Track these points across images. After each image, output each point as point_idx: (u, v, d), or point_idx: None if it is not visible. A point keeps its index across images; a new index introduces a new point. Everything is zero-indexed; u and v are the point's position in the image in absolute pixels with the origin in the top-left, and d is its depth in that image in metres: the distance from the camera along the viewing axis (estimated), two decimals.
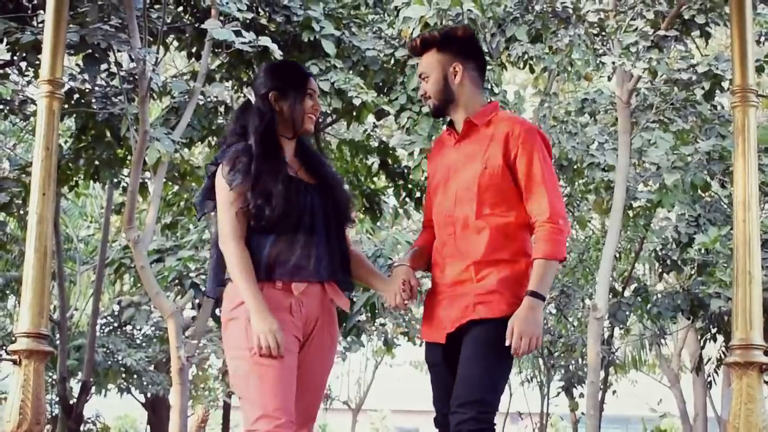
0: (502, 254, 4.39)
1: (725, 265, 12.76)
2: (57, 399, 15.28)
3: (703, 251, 12.94)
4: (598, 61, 11.22)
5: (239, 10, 9.76)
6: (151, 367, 18.12)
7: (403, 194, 12.65)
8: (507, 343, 4.22)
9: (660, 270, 16.06)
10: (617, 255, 15.18)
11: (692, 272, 14.73)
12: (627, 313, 16.08)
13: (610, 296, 14.13)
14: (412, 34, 10.59)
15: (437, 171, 4.64)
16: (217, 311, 11.44)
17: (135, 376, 18.15)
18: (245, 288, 4.25)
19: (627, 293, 16.16)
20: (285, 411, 4.19)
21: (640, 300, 15.61)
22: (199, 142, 12.02)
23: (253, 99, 4.55)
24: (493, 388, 4.29)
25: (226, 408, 20.40)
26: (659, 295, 15.71)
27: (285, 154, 4.46)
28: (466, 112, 4.56)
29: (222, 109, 11.07)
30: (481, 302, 4.34)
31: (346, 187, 4.85)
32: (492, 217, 4.40)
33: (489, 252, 4.37)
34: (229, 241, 4.29)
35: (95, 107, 10.35)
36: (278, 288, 4.33)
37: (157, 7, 10.09)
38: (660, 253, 15.01)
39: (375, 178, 13.26)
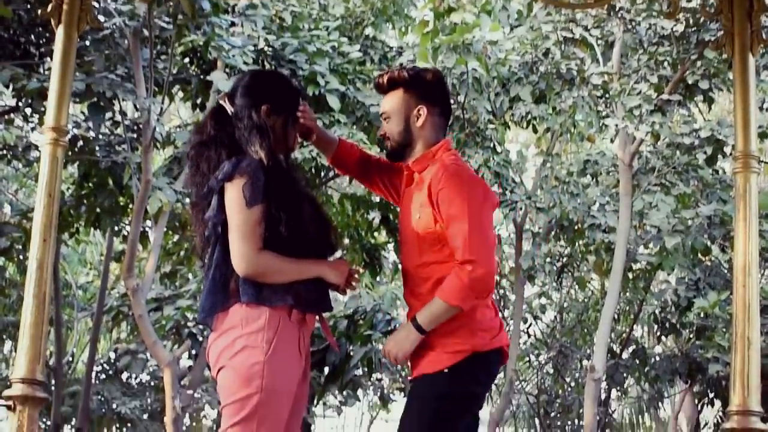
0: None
1: (724, 329, 12.74)
2: None
3: (702, 315, 12.93)
4: (601, 123, 11.26)
5: (245, 63, 9.82)
6: (146, 416, 18.04)
7: None
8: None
9: (658, 333, 16.04)
10: (616, 316, 15.16)
11: (691, 336, 14.71)
12: (625, 375, 16.08)
13: (608, 357, 14.10)
14: None
15: (401, 209, 4.52)
16: None
17: (129, 424, 18.07)
18: (304, 267, 4.13)
19: (625, 355, 16.14)
20: None
21: (638, 362, 15.61)
22: None
23: (227, 106, 4.30)
24: None
25: None
26: (657, 358, 15.70)
27: None
28: (415, 157, 4.43)
29: None
30: (420, 356, 4.26)
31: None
32: (435, 266, 4.25)
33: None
34: (260, 253, 4.03)
35: (98, 155, 10.38)
36: (293, 319, 4.12)
37: (163, 57, 10.15)
38: (659, 316, 15.00)
39: (375, 233, 13.28)
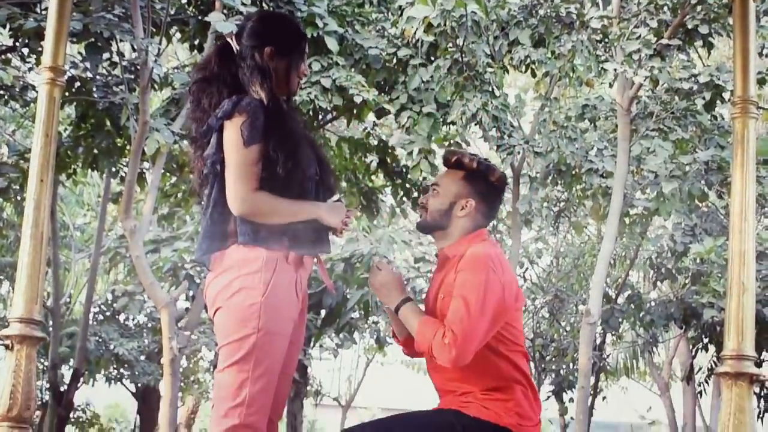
0: (486, 382, 4.22)
1: (719, 275, 12.79)
2: (48, 386, 15.30)
3: (698, 261, 12.97)
4: (600, 68, 11.22)
5: (243, 3, 9.76)
6: (143, 357, 18.15)
7: (401, 193, 12.67)
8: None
9: (654, 278, 16.09)
10: (612, 262, 15.22)
11: (686, 281, 14.76)
12: (620, 319, 16.14)
13: (604, 302, 14.15)
14: (415, 33, 10.60)
15: (428, 294, 4.53)
16: None
17: (126, 365, 18.18)
18: (299, 208, 4.12)
19: (620, 300, 16.21)
20: (264, 411, 4.09)
21: (633, 307, 15.66)
22: None
23: (233, 44, 4.31)
24: None
25: None
26: (652, 303, 15.77)
27: None
28: (446, 243, 4.43)
29: None
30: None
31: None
32: None
33: (470, 382, 4.24)
34: (255, 193, 4.02)
35: (96, 96, 10.35)
36: (290, 261, 4.12)
37: None
38: (655, 262, 15.06)
39: (373, 177, 13.28)
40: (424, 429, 4.19)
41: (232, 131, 4.07)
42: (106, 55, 10.19)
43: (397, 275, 4.46)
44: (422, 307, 4.51)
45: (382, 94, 11.11)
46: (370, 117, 11.96)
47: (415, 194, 12.49)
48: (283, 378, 4.26)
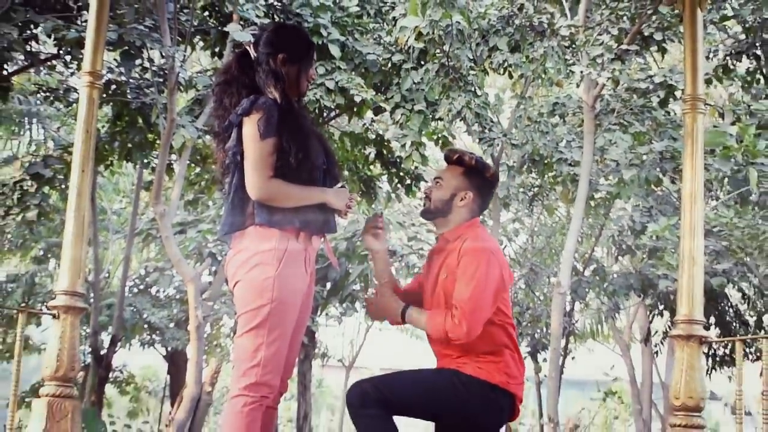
0: (481, 347, 4.27)
1: (673, 250, 12.79)
2: (89, 350, 15.29)
3: (654, 238, 12.97)
4: (568, 70, 11.20)
5: (257, 16, 9.77)
6: (172, 325, 18.13)
7: (396, 181, 12.65)
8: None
9: (616, 253, 16.11)
10: (579, 239, 15.22)
11: (644, 256, 14.76)
12: (586, 289, 16.13)
13: (573, 275, 14.17)
14: (407, 41, 10.58)
15: (426, 272, 4.57)
16: None
17: (157, 331, 18.17)
18: (309, 193, 4.15)
19: (587, 272, 16.20)
20: (277, 371, 4.12)
21: (598, 279, 15.65)
22: None
23: (252, 51, 4.34)
24: None
25: None
26: (615, 275, 15.75)
27: None
28: (446, 228, 4.48)
29: None
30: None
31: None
32: None
33: (468, 348, 4.28)
34: (270, 180, 4.04)
35: (129, 97, 10.34)
36: (300, 240, 4.14)
37: (185, 11, 10.07)
38: (617, 239, 15.06)
39: (371, 166, 13.26)
40: (428, 385, 4.24)
41: (250, 126, 4.08)
42: (138, 61, 10.17)
43: (387, 296, 4.52)
44: (410, 283, 4.57)
45: (379, 94, 11.10)
46: (369, 114, 11.95)
47: (408, 181, 12.46)
48: (294, 342, 4.26)
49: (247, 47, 4.36)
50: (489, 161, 12.88)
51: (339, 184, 4.32)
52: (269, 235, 4.09)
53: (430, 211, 4.52)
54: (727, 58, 12.48)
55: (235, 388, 4.08)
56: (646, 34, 10.98)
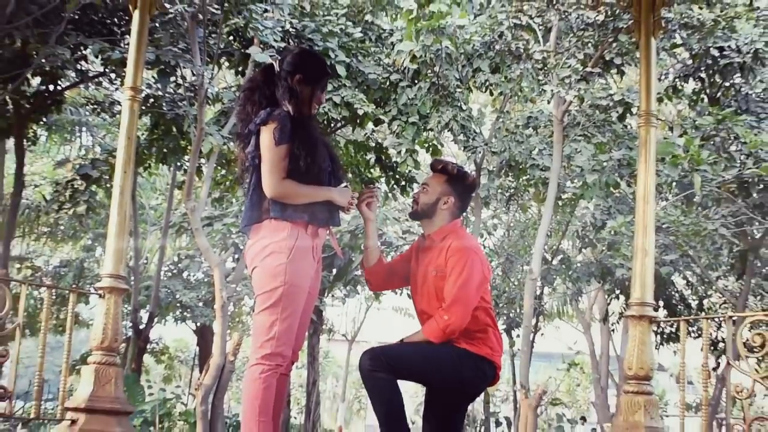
0: (469, 327, 4.32)
1: (628, 243, 12.79)
2: (130, 325, 15.29)
3: (612, 233, 12.97)
4: (540, 89, 11.19)
5: (275, 40, 9.76)
6: (201, 304, 18.14)
7: (392, 182, 12.63)
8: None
9: (580, 246, 16.11)
10: (549, 233, 15.20)
11: (603, 248, 14.77)
12: (554, 276, 16.19)
13: (543, 264, 14.18)
14: (403, 62, 10.57)
15: (415, 266, 4.56)
16: None
17: (188, 310, 18.19)
18: (316, 192, 4.13)
19: (555, 262, 16.23)
20: (289, 344, 4.12)
21: (564, 267, 15.70)
22: None
23: (276, 66, 4.33)
24: None
25: None
26: (578, 264, 15.79)
27: None
28: (432, 229, 4.49)
29: None
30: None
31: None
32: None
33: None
34: (283, 181, 4.05)
35: (165, 109, 10.32)
36: (309, 232, 4.13)
37: (213, 35, 10.05)
38: (580, 233, 15.05)
39: (371, 170, 13.24)
40: (431, 356, 4.28)
41: (267, 134, 4.09)
42: (172, 79, 10.16)
43: (373, 253, 4.66)
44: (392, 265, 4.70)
45: (379, 108, 11.08)
46: (370, 125, 11.93)
47: (403, 183, 12.43)
48: (304, 319, 4.27)
49: (274, 62, 4.37)
50: (472, 166, 12.91)
51: (342, 185, 4.33)
52: (282, 227, 4.10)
53: (418, 213, 4.56)
54: (676, 80, 12.52)
55: (254, 358, 4.09)
56: (607, 58, 10.98)
